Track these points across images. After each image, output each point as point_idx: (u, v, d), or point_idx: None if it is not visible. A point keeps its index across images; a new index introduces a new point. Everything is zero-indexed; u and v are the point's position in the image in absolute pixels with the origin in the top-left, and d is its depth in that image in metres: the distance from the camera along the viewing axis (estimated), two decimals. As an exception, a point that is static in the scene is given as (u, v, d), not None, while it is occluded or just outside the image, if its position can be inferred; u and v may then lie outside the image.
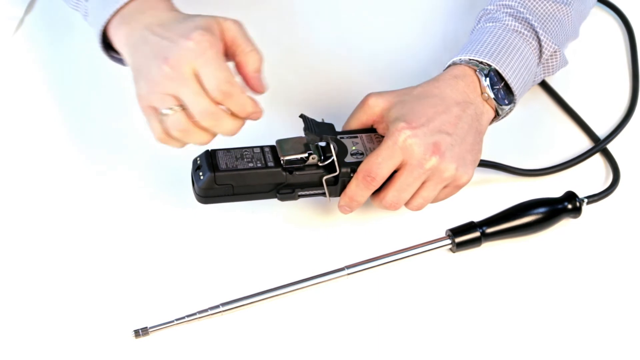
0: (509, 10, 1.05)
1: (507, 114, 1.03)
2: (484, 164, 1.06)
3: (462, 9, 1.26)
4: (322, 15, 1.25)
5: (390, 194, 0.96)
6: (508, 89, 1.01)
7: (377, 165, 0.95)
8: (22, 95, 1.15)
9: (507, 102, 1.01)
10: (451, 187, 0.98)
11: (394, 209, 0.97)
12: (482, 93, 1.00)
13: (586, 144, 1.12)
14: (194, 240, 1.01)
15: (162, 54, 0.90)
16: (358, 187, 0.96)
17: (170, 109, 0.90)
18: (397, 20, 1.25)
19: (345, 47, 1.21)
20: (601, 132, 1.13)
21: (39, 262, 0.99)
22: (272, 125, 1.08)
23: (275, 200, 1.01)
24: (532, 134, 1.13)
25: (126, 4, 0.95)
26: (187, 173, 0.99)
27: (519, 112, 1.11)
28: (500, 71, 1.00)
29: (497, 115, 1.01)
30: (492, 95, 1.00)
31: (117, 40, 0.96)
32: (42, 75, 1.16)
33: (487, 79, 1.00)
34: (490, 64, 1.00)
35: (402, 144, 0.94)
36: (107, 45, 0.99)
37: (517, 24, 1.04)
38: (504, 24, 1.04)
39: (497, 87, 1.00)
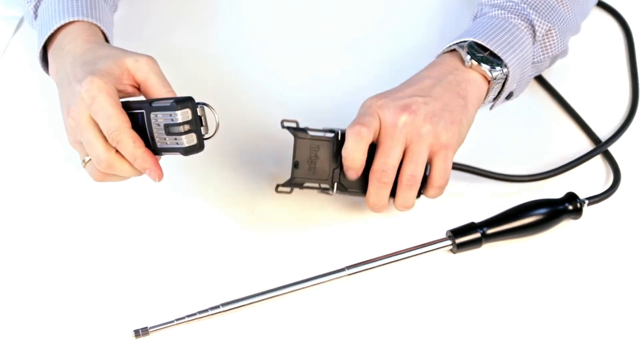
0: (497, 2, 1.07)
1: (502, 83, 1.03)
2: (484, 174, 1.05)
3: (461, 10, 1.26)
4: (323, 17, 1.25)
5: (377, 161, 0.96)
6: (495, 57, 1.02)
7: (361, 117, 0.96)
8: (21, 96, 1.15)
9: (495, 65, 1.01)
10: (440, 152, 0.97)
11: (386, 177, 0.96)
12: (464, 63, 1.01)
13: (586, 144, 1.12)
14: (194, 240, 1.01)
15: (67, 102, 0.95)
16: (351, 143, 0.95)
17: (84, 160, 0.96)
18: (397, 22, 1.25)
19: (345, 48, 1.22)
20: (600, 131, 1.12)
21: (40, 263, 0.99)
22: (274, 127, 1.09)
23: (275, 200, 1.01)
24: (532, 134, 1.13)
25: (54, 35, 1.01)
26: (186, 173, 0.99)
27: (519, 111, 1.13)
28: (479, 42, 1.02)
29: (490, 83, 1.02)
30: (475, 61, 1.01)
31: (50, 71, 1.03)
32: (41, 74, 1.16)
33: (468, 51, 1.01)
34: (467, 39, 1.02)
35: (374, 111, 0.96)
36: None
37: (504, 12, 1.06)
38: (491, 15, 1.06)
39: (481, 54, 1.02)
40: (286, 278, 0.97)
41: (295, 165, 0.97)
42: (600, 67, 1.21)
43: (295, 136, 0.97)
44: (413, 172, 0.96)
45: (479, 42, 1.02)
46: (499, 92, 1.04)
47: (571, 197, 1.02)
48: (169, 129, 0.91)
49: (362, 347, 0.93)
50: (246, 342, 0.93)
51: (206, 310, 0.94)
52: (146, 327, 0.93)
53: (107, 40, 1.03)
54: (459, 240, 1.00)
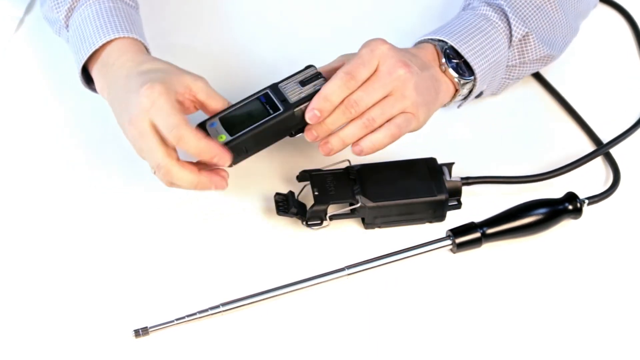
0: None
1: (469, 92, 1.06)
2: (486, 181, 1.05)
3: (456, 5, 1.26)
4: (323, 14, 1.25)
5: (358, 93, 0.97)
6: (468, 66, 1.04)
7: (357, 66, 0.97)
8: (21, 95, 1.15)
9: (466, 77, 1.04)
10: (403, 117, 0.98)
11: (354, 109, 0.96)
12: (440, 65, 1.03)
13: (586, 144, 1.11)
14: (194, 240, 1.01)
15: (127, 113, 0.96)
16: (336, 85, 0.96)
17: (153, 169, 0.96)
18: (390, 16, 1.25)
19: (346, 47, 1.21)
20: (600, 130, 1.12)
21: (40, 263, 0.99)
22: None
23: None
24: (533, 135, 1.12)
25: (97, 51, 1.03)
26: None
27: (519, 112, 1.13)
28: (456, 47, 1.04)
29: (456, 91, 1.05)
30: (449, 66, 1.03)
31: (97, 88, 1.05)
32: (42, 74, 1.17)
33: (444, 54, 1.04)
34: (447, 40, 1.04)
35: (379, 52, 0.97)
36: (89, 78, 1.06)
37: (488, 9, 1.07)
38: (476, 11, 1.08)
39: (456, 61, 1.04)
40: (286, 278, 0.96)
41: (316, 197, 1.00)
42: (603, 65, 1.21)
43: (311, 175, 1.01)
44: (376, 117, 0.97)
45: (455, 46, 1.04)
46: (467, 96, 1.07)
47: (571, 197, 1.02)
48: (305, 82, 0.98)
49: (361, 347, 0.93)
50: (246, 342, 0.93)
51: (206, 310, 0.94)
52: (146, 327, 0.93)
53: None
54: (458, 240, 0.99)
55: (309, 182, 1.02)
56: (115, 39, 1.03)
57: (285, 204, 1.01)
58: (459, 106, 1.10)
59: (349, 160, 1.03)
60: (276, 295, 0.95)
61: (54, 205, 1.04)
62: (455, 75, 1.04)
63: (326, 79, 0.98)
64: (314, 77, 0.98)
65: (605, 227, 1.03)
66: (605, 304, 0.97)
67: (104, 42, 1.02)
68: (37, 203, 1.04)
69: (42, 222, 1.02)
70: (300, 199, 1.03)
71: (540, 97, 1.16)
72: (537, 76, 1.18)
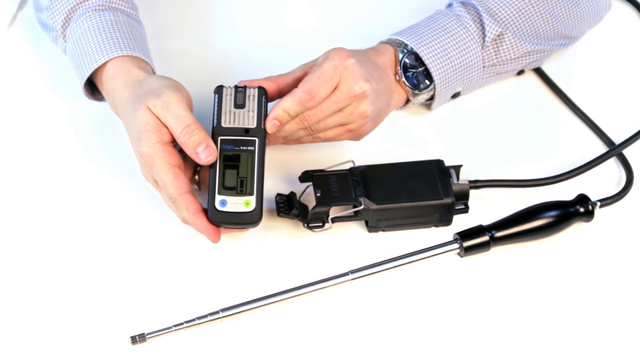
0: None
1: (424, 100, 1.07)
2: (495, 184, 1.03)
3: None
4: (319, 17, 1.24)
5: (314, 110, 0.97)
6: (428, 75, 1.05)
7: (318, 85, 0.96)
8: (15, 91, 1.14)
9: (422, 88, 1.05)
10: (355, 127, 1.00)
11: (307, 121, 0.97)
12: (395, 73, 1.04)
13: (597, 145, 1.10)
14: (194, 244, 1.00)
15: (134, 147, 0.97)
16: (294, 102, 0.96)
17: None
18: (387, 17, 1.23)
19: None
20: (610, 131, 1.10)
21: (37, 269, 0.98)
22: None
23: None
24: (542, 136, 1.11)
25: (99, 67, 1.02)
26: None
27: (528, 113, 1.13)
28: (416, 50, 1.04)
29: (408, 100, 1.06)
30: (403, 78, 1.04)
31: (108, 102, 1.04)
32: (35, 71, 1.16)
33: (404, 60, 1.04)
34: (408, 43, 1.04)
35: (342, 68, 0.97)
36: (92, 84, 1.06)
37: (462, 9, 1.07)
38: (450, 11, 1.08)
39: (415, 70, 1.04)
40: (288, 283, 0.96)
41: (318, 198, 0.98)
42: (614, 62, 1.19)
43: (313, 176, 1.00)
44: (327, 127, 0.99)
45: (416, 49, 1.04)
46: (431, 98, 1.08)
47: (582, 199, 1.01)
48: (239, 104, 0.97)
49: (365, 354, 0.93)
50: (246, 350, 0.93)
51: (205, 316, 0.93)
52: (143, 334, 0.92)
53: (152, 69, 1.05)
54: (466, 244, 0.98)
55: (311, 183, 1.00)
56: (117, 57, 1.02)
57: (287, 205, 1.00)
58: (432, 108, 1.10)
59: (352, 161, 1.01)
60: (277, 301, 0.95)
61: (50, 207, 1.03)
62: (409, 85, 1.04)
63: (248, 86, 0.98)
64: (238, 93, 0.98)
65: (618, 230, 1.03)
66: (618, 309, 0.97)
67: (106, 60, 1.02)
68: (32, 204, 1.03)
69: (38, 224, 1.02)
70: (302, 200, 1.02)
71: (549, 98, 1.15)
72: (546, 77, 1.16)
